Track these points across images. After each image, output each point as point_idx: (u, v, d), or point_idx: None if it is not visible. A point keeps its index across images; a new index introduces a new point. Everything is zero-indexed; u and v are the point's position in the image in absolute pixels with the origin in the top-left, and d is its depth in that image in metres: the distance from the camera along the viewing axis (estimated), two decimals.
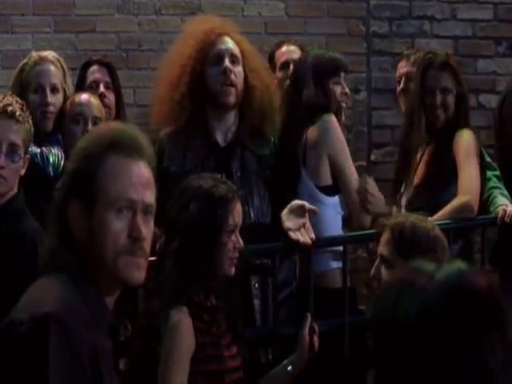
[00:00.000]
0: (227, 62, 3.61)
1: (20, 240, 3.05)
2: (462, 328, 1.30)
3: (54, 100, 3.87)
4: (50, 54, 3.97)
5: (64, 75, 3.97)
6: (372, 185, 3.71)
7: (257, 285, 3.53)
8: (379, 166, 5.16)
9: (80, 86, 4.20)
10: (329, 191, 3.74)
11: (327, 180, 3.74)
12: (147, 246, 1.99)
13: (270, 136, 3.72)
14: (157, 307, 2.85)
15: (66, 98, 3.93)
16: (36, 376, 1.79)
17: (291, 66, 4.45)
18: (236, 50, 3.67)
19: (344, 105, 3.90)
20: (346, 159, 3.73)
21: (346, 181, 3.70)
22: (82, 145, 2.03)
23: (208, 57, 3.63)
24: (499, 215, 3.77)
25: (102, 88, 4.20)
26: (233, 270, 2.95)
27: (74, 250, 1.95)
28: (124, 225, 1.94)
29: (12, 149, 3.12)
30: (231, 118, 3.66)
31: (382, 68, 5.31)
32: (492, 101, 5.26)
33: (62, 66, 3.97)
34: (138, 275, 1.96)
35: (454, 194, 3.83)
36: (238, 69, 3.65)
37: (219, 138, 3.66)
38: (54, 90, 3.87)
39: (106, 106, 4.07)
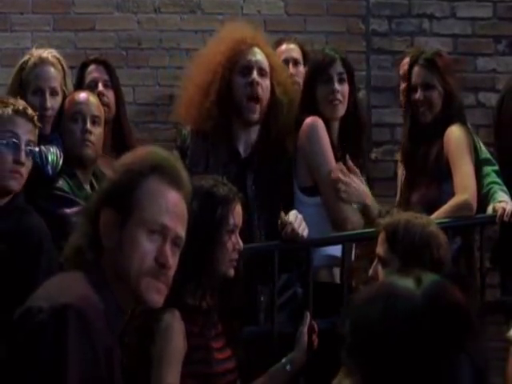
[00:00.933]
0: (255, 74, 3.61)
1: (25, 236, 3.08)
2: (448, 336, 1.36)
3: (53, 103, 3.84)
4: (50, 55, 3.92)
5: (64, 76, 3.95)
6: (346, 173, 3.70)
7: (261, 287, 3.53)
8: (379, 164, 5.16)
9: (79, 87, 4.19)
10: (309, 192, 3.75)
11: (307, 181, 3.76)
12: (171, 274, 2.03)
13: (289, 150, 3.71)
14: (151, 309, 2.86)
15: (64, 99, 3.91)
16: (53, 366, 1.79)
17: (290, 65, 4.44)
18: (265, 63, 3.66)
19: (337, 101, 3.83)
20: (321, 159, 3.70)
21: (320, 178, 3.70)
22: (127, 160, 2.09)
23: (237, 66, 3.63)
24: (498, 213, 3.76)
25: (100, 87, 4.19)
26: (232, 272, 2.96)
27: (98, 253, 1.99)
28: (153, 248, 1.99)
29: (29, 148, 3.23)
30: (255, 130, 3.67)
31: (382, 66, 5.31)
32: (492, 99, 5.26)
33: (62, 67, 3.94)
34: (157, 299, 2.01)
35: (449, 193, 3.83)
36: (266, 82, 3.64)
37: (241, 148, 3.67)
38: (53, 93, 3.84)
39: (104, 104, 4.06)
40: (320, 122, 3.74)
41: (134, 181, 2.00)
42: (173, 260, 2.02)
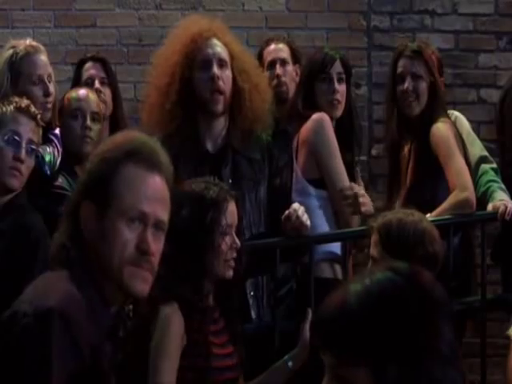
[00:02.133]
0: (215, 68, 3.54)
1: (23, 234, 3.08)
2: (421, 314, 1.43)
3: (53, 90, 3.86)
4: (36, 44, 3.95)
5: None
6: (358, 188, 3.74)
7: (250, 281, 3.52)
8: (380, 161, 5.15)
9: (76, 84, 4.19)
10: (315, 184, 3.80)
11: (314, 174, 3.81)
12: (155, 260, 1.99)
13: (262, 139, 3.63)
14: (147, 306, 2.87)
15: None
16: (38, 369, 1.79)
17: (277, 65, 4.43)
18: (224, 54, 3.58)
19: (336, 102, 3.88)
20: (332, 159, 3.74)
21: (331, 181, 3.74)
22: (102, 148, 2.04)
23: (195, 62, 3.56)
24: (500, 211, 3.76)
25: (97, 84, 4.19)
26: (230, 273, 2.94)
27: (81, 249, 1.96)
28: (134, 235, 1.95)
29: (30, 146, 3.20)
30: (221, 123, 3.60)
31: (383, 62, 5.30)
32: (493, 95, 5.25)
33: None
34: (142, 287, 1.98)
35: (445, 191, 3.82)
36: (226, 73, 3.56)
37: (209, 145, 3.59)
38: (50, 80, 3.87)
39: (101, 101, 4.06)
40: (327, 119, 3.80)
41: (109, 169, 1.95)
42: (156, 246, 1.98)
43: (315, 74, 3.88)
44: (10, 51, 3.88)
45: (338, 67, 3.90)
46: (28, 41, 3.96)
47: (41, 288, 1.94)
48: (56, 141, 3.82)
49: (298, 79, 4.55)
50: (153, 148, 2.02)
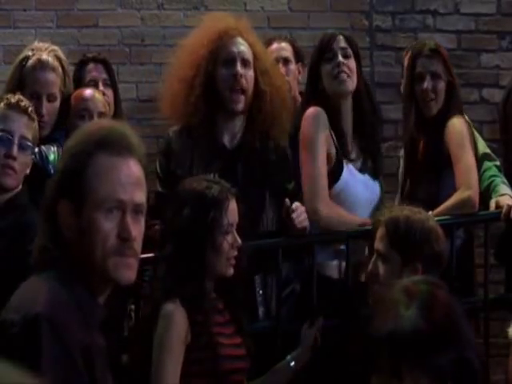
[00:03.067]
0: (238, 67, 3.56)
1: (22, 232, 3.06)
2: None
3: (50, 109, 3.78)
4: (50, 56, 3.84)
5: (64, 77, 3.88)
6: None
7: (259, 280, 3.52)
8: (383, 160, 5.14)
9: (77, 85, 4.16)
10: None
11: None
12: (137, 246, 1.97)
13: (278, 140, 3.65)
14: (150, 306, 2.87)
15: (63, 99, 3.85)
16: None
17: (280, 64, 4.43)
18: (248, 53, 3.61)
19: (344, 75, 3.67)
20: (306, 155, 3.65)
21: (302, 176, 3.66)
22: (70, 143, 2.01)
23: (220, 58, 3.58)
24: (503, 211, 3.75)
25: (100, 86, 4.18)
26: (231, 271, 2.95)
27: (62, 248, 1.93)
28: (113, 225, 1.93)
29: (24, 143, 3.17)
30: (240, 122, 3.62)
31: (385, 62, 5.30)
32: (495, 95, 5.25)
33: (62, 68, 3.88)
34: (129, 275, 1.95)
35: (451, 187, 3.81)
36: (249, 73, 3.59)
37: (226, 141, 3.61)
38: (51, 99, 3.80)
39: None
40: (318, 113, 3.66)
41: (80, 164, 1.92)
42: (136, 230, 1.95)
43: (320, 55, 3.77)
44: (24, 54, 3.86)
45: (341, 42, 3.74)
46: (47, 51, 3.86)
47: (26, 294, 1.92)
48: (61, 140, 3.81)
49: (300, 78, 4.56)
50: (121, 132, 1.99)
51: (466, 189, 3.74)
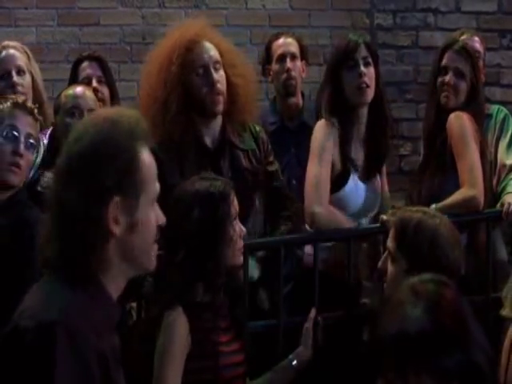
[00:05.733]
0: (213, 74, 3.57)
1: (21, 229, 3.05)
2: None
3: (21, 81, 3.89)
4: (10, 43, 4.03)
5: (29, 59, 4.01)
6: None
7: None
8: (387, 159, 5.14)
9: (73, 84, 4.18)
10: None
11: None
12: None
13: (254, 128, 3.72)
14: (155, 311, 2.88)
15: (33, 82, 3.95)
16: None
17: (287, 59, 4.44)
18: (216, 55, 3.61)
19: (364, 85, 3.67)
20: (311, 159, 3.67)
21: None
22: (107, 139, 1.91)
23: (192, 68, 3.57)
24: (504, 209, 3.75)
25: (94, 83, 4.18)
26: (241, 259, 3.00)
27: (90, 251, 1.88)
28: (154, 216, 1.96)
29: (29, 141, 3.18)
30: (218, 120, 3.65)
31: (387, 61, 5.30)
32: (496, 93, 5.25)
33: (25, 52, 4.03)
34: (154, 262, 1.97)
35: (455, 184, 3.80)
36: (221, 74, 3.60)
37: (208, 141, 3.63)
38: (20, 72, 3.90)
39: (99, 100, 4.06)
40: (329, 127, 3.67)
41: (130, 160, 1.89)
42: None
43: (341, 61, 3.76)
44: None
45: (362, 51, 3.71)
46: (6, 42, 4.07)
47: (40, 299, 1.87)
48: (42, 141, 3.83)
49: (304, 75, 4.57)
50: (140, 119, 1.99)
51: (470, 188, 3.71)
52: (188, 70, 3.58)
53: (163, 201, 2.07)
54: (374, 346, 1.89)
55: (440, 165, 3.89)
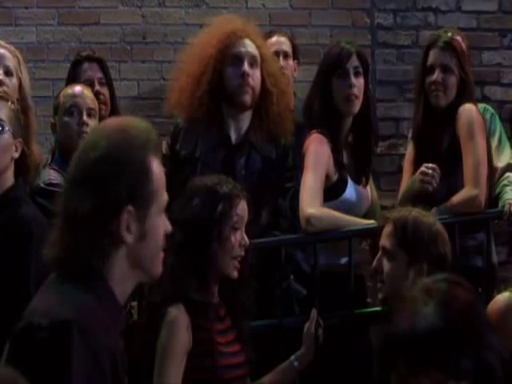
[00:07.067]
0: (246, 65, 3.67)
1: (16, 226, 3.03)
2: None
3: (8, 82, 3.71)
4: (3, 43, 3.88)
5: (19, 63, 3.83)
6: None
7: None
8: (384, 159, 5.16)
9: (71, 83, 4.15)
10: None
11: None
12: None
13: (280, 140, 3.74)
14: (156, 302, 2.88)
15: (21, 88, 3.77)
16: None
17: (280, 58, 4.45)
18: (255, 54, 3.73)
19: (353, 97, 3.73)
20: (305, 172, 3.66)
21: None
22: (121, 150, 1.94)
23: (228, 57, 3.70)
24: (505, 209, 3.75)
25: (96, 86, 4.19)
26: (235, 273, 2.95)
27: (102, 258, 1.91)
28: (163, 224, 1.99)
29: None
30: (246, 118, 3.73)
31: (387, 60, 5.31)
32: (497, 93, 5.25)
33: (16, 56, 3.84)
34: (161, 268, 2.01)
35: (457, 185, 3.79)
36: (257, 73, 3.71)
37: (232, 134, 3.73)
38: (8, 72, 3.74)
39: (102, 102, 4.06)
40: (318, 139, 3.69)
41: (141, 170, 1.92)
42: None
43: (332, 69, 3.77)
44: None
45: (354, 61, 3.75)
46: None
47: (54, 298, 1.89)
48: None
49: (296, 75, 4.58)
50: (150, 129, 2.01)
51: (474, 187, 3.70)
52: (224, 58, 3.70)
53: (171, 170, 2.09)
54: (386, 344, 1.89)
55: (450, 165, 3.85)
